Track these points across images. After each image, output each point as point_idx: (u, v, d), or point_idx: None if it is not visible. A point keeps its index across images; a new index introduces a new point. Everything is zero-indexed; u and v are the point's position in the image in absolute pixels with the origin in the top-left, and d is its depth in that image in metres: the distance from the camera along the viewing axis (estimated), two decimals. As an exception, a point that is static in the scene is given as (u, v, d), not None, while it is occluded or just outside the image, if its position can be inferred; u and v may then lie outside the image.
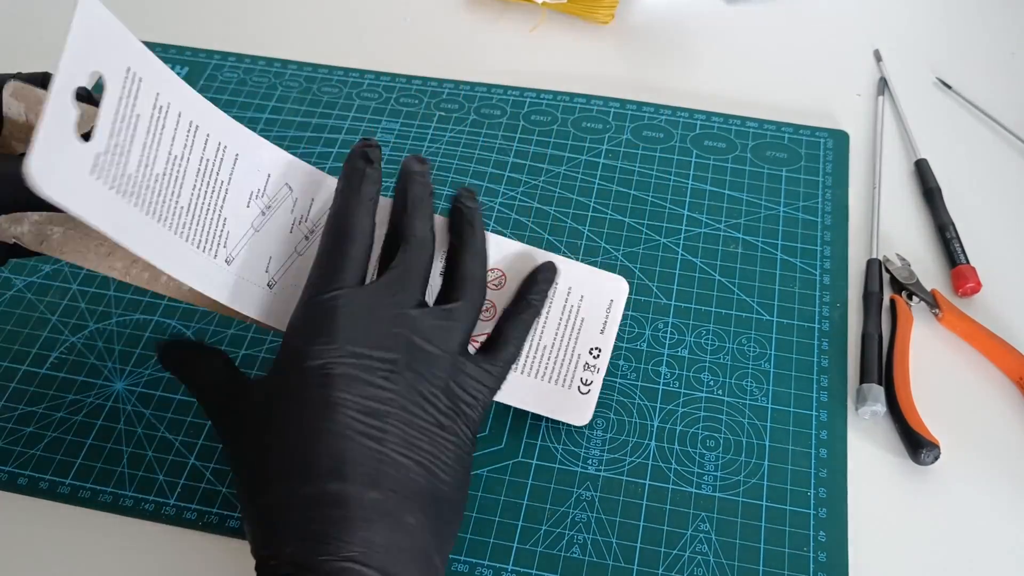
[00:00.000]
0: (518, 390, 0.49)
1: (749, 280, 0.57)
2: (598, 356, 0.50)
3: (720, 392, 0.52)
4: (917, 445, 0.49)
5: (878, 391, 0.51)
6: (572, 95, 0.67)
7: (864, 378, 0.52)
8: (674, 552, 0.47)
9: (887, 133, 0.65)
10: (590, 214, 0.60)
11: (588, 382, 0.50)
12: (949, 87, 0.68)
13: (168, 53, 0.70)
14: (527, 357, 0.49)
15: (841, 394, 0.52)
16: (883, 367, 0.53)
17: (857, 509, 0.48)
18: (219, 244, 0.43)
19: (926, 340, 0.55)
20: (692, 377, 0.53)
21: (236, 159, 0.43)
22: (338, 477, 0.37)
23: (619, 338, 0.54)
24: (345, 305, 0.40)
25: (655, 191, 0.62)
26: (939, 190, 0.61)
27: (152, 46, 0.70)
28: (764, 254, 0.58)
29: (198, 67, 0.69)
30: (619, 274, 0.51)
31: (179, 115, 0.40)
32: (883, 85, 0.68)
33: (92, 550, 0.48)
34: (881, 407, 0.51)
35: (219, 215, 0.43)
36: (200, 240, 0.42)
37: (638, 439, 0.51)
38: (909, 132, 0.65)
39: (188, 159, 0.41)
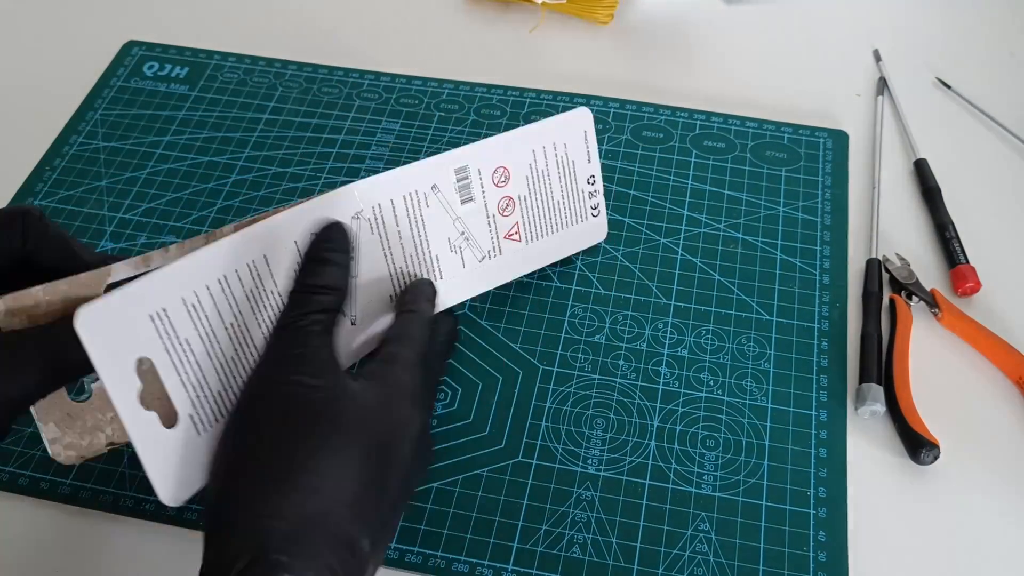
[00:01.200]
0: (543, 253, 0.54)
1: (749, 280, 0.57)
2: (594, 182, 0.55)
3: (720, 392, 0.53)
4: (917, 445, 0.49)
5: (877, 391, 0.51)
6: (572, 95, 0.67)
7: (864, 378, 0.52)
8: (674, 552, 0.47)
9: (886, 133, 0.65)
10: (590, 214, 0.60)
11: (595, 206, 0.56)
12: (949, 87, 0.68)
13: (168, 53, 0.70)
14: (541, 220, 0.53)
15: (841, 394, 0.52)
16: (883, 367, 0.53)
17: (857, 509, 0.48)
18: None
19: (926, 340, 0.55)
20: (692, 377, 0.53)
21: (267, 260, 0.42)
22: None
23: (619, 338, 0.55)
24: None
25: (655, 191, 0.62)
26: (938, 190, 0.61)
27: (152, 46, 0.71)
28: (764, 254, 0.58)
29: (198, 67, 0.69)
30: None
31: (199, 298, 0.39)
32: (883, 85, 0.68)
33: (92, 550, 0.48)
34: (881, 407, 0.51)
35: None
36: None
37: (638, 439, 0.51)
38: (908, 132, 0.65)
39: (239, 310, 0.41)
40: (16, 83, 0.70)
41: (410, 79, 0.69)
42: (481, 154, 0.50)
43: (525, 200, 0.52)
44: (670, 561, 0.47)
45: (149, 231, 0.60)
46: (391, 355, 0.43)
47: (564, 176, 0.53)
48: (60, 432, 0.40)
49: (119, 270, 0.40)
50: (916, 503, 0.49)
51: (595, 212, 0.56)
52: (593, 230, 0.57)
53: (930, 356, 0.54)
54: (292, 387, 0.38)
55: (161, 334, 0.38)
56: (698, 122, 0.65)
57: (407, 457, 0.40)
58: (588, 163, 0.54)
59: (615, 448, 0.50)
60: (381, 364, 0.42)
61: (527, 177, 0.52)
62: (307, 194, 0.61)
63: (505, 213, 0.51)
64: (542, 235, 0.54)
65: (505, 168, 0.51)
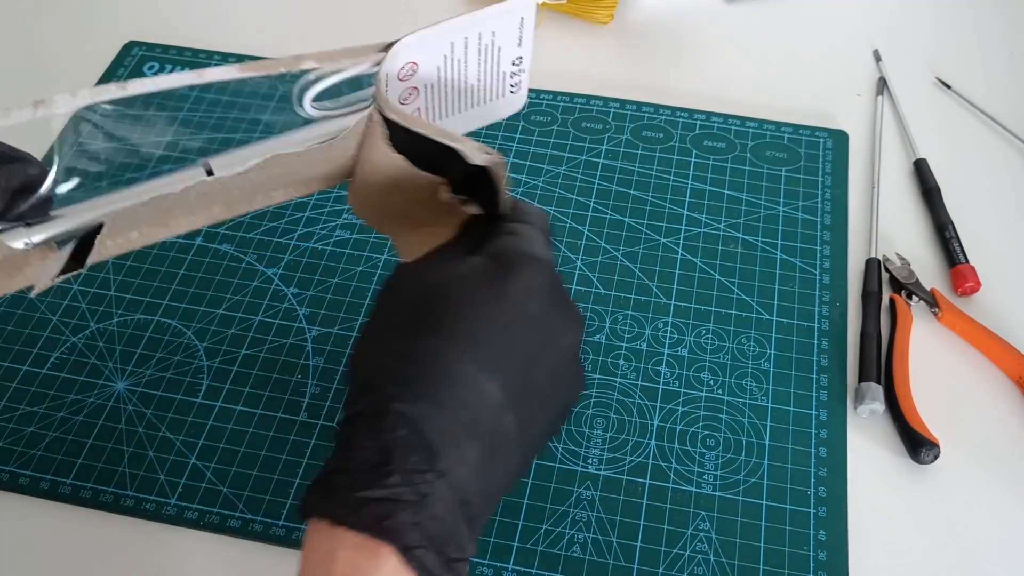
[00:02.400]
0: (453, 127, 0.51)
1: (749, 280, 0.57)
2: (521, 62, 0.52)
3: (720, 391, 0.53)
4: (917, 444, 0.49)
5: (877, 390, 0.51)
6: (572, 95, 0.67)
7: (863, 377, 0.52)
8: (674, 551, 0.47)
9: (886, 133, 0.65)
10: (590, 214, 0.60)
11: (516, 84, 0.53)
12: (948, 87, 0.68)
13: (168, 53, 0.70)
14: (447, 102, 0.51)
15: (841, 393, 0.53)
16: (882, 366, 0.53)
17: (857, 508, 0.49)
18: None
19: (925, 339, 0.55)
20: (692, 376, 0.53)
21: None
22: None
23: (619, 337, 0.55)
24: None
25: (655, 191, 0.62)
26: (938, 190, 0.61)
27: (152, 46, 0.71)
28: (764, 254, 0.58)
29: (198, 67, 0.69)
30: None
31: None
32: (882, 85, 0.68)
33: (92, 550, 0.48)
34: (880, 406, 0.51)
35: None
36: None
37: (638, 438, 0.51)
38: (908, 132, 0.65)
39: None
40: (16, 83, 0.70)
41: (410, 79, 0.69)
42: (393, 60, 0.48)
43: (431, 88, 0.50)
44: (670, 560, 0.47)
45: (149, 231, 0.60)
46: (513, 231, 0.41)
47: (485, 61, 0.51)
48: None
49: None
50: (916, 502, 0.49)
51: (512, 91, 0.53)
52: (507, 106, 0.54)
53: (930, 356, 0.54)
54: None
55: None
56: (698, 122, 0.66)
57: (542, 315, 0.38)
58: (518, 47, 0.52)
59: (615, 447, 0.50)
60: (505, 240, 0.40)
61: (439, 67, 0.50)
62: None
63: (406, 102, 0.49)
64: (447, 114, 0.52)
65: (413, 63, 0.49)
